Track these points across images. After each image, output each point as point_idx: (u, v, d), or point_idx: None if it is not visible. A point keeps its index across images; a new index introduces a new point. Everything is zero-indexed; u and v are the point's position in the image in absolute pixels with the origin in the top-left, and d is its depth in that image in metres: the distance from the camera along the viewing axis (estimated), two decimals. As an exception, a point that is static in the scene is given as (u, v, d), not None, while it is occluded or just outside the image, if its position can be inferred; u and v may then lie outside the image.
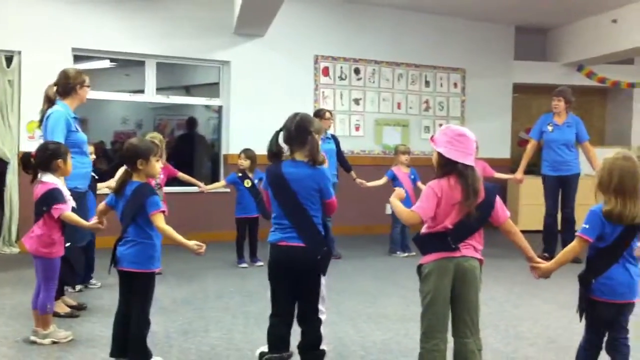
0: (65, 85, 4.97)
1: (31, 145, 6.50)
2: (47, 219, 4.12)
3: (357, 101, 9.61)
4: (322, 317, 3.51)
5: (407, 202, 7.56)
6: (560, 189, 7.64)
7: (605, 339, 3.46)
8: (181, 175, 6.96)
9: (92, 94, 5.77)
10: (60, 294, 4.86)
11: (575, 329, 4.69)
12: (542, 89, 10.14)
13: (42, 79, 5.49)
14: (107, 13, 8.12)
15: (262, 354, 3.47)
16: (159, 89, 8.82)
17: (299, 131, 3.45)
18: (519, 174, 7.93)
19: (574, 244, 3.41)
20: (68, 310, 4.93)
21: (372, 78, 9.70)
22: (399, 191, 3.38)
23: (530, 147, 7.90)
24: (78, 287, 5.63)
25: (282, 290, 3.48)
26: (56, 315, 4.59)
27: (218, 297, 5.66)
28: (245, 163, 6.99)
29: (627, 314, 3.42)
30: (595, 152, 7.55)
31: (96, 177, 5.79)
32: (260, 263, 6.88)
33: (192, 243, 3.59)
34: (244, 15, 8.06)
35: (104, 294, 5.61)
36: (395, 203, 3.31)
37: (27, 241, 4.21)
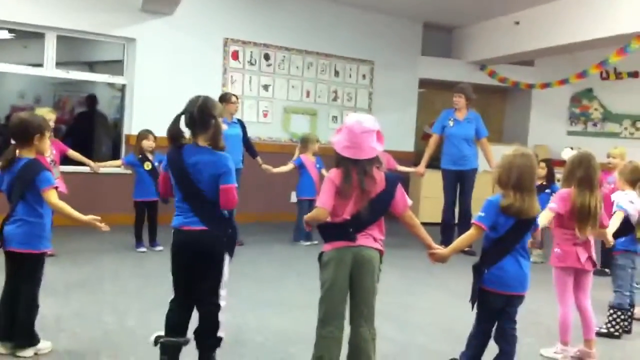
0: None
1: None
2: None
3: (266, 87, 9.54)
4: (222, 303, 3.45)
5: (313, 190, 7.70)
6: (459, 183, 7.90)
7: (494, 328, 3.60)
8: (71, 152, 6.60)
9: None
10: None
11: (468, 318, 4.85)
12: (447, 85, 10.41)
13: None
14: (5, -20, 7.68)
15: (158, 338, 3.37)
16: (60, 64, 8.43)
17: (202, 115, 3.36)
18: (420, 168, 8.16)
19: (470, 231, 3.55)
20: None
21: (282, 65, 9.65)
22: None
23: (432, 141, 8.13)
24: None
25: (183, 275, 3.41)
26: None
27: (114, 281, 5.50)
28: (152, 144, 6.80)
29: (516, 305, 3.56)
30: (491, 149, 7.85)
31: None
32: (160, 248, 6.73)
33: (89, 217, 3.46)
34: (152, -9, 7.83)
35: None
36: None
37: None
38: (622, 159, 6.58)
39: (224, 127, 7.03)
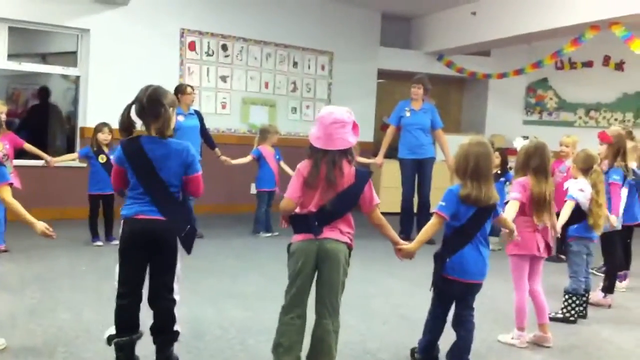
0: None
1: None
2: None
3: (224, 78, 9.45)
4: (177, 297, 3.40)
5: (272, 181, 7.67)
6: (417, 173, 7.97)
7: (452, 315, 3.64)
8: (27, 146, 6.52)
9: None
10: None
11: (427, 306, 4.91)
12: (406, 76, 10.45)
13: None
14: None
15: (110, 337, 3.30)
16: (12, 56, 8.21)
17: (152, 104, 3.27)
18: (378, 159, 8.22)
19: (432, 221, 3.59)
20: None
21: (240, 56, 9.57)
22: None
23: (389, 132, 8.20)
24: None
25: (135, 268, 3.30)
26: None
27: (69, 276, 5.40)
28: (108, 137, 6.69)
29: (475, 293, 3.62)
30: (446, 140, 7.94)
31: None
32: (116, 242, 6.57)
33: (40, 225, 3.37)
34: (105, -19, 7.68)
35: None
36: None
37: None
38: (573, 147, 6.72)
39: (180, 118, 7.04)
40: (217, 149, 7.69)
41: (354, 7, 10.45)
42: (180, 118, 6.89)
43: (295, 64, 10.09)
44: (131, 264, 3.31)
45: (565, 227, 4.70)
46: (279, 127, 8.47)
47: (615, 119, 11.27)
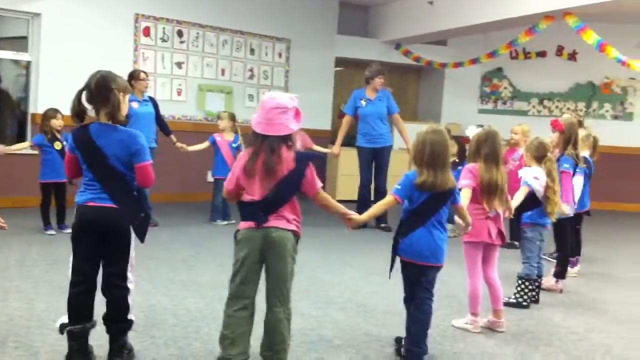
0: None
1: None
2: None
3: (179, 65, 9.32)
4: (131, 285, 3.35)
5: (227, 169, 7.60)
6: (374, 161, 8.01)
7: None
8: None
9: None
10: None
11: (383, 293, 4.96)
12: (363, 64, 10.46)
13: None
14: None
15: (62, 326, 3.24)
16: (-42, 40, 7.98)
17: (100, 89, 3.23)
18: (335, 148, 8.25)
19: (385, 199, 3.67)
20: None
21: (196, 42, 9.45)
22: None
23: (344, 122, 8.22)
24: None
25: (87, 256, 3.25)
26: None
27: (20, 265, 5.29)
28: (61, 123, 6.55)
29: (430, 276, 3.65)
30: (404, 124, 8.00)
31: None
32: (69, 230, 6.46)
33: None
34: (57, -37, 7.49)
35: None
36: None
37: None
38: (523, 135, 6.82)
39: (134, 105, 6.94)
40: (172, 136, 7.60)
41: (312, -6, 10.41)
42: (134, 105, 6.79)
43: (252, 51, 10.01)
44: (83, 252, 3.26)
45: (519, 213, 4.78)
46: (236, 114, 8.37)
47: (568, 108, 11.51)
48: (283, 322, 3.23)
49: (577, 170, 5.51)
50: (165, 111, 7.92)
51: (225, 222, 7.67)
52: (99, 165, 3.23)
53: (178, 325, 4.03)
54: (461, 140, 7.27)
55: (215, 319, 4.03)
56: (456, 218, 3.92)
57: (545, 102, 11.71)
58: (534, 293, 4.94)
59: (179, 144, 7.58)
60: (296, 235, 3.26)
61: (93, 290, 3.29)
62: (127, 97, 3.41)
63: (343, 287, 5.20)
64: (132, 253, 3.35)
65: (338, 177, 10.22)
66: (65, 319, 3.27)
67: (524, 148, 5.35)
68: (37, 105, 8.19)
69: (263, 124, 3.15)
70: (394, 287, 3.96)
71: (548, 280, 5.42)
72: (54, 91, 7.87)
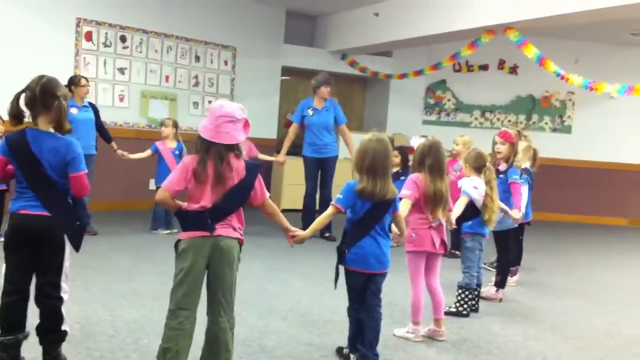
0: None
1: None
2: None
3: (122, 70, 9.14)
4: (65, 295, 3.25)
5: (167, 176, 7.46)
6: (320, 171, 8.02)
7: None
8: None
9: None
10: None
11: (326, 303, 4.95)
12: (310, 74, 10.50)
13: None
14: None
15: (-6, 338, 3.13)
16: None
17: (44, 95, 3.15)
18: (281, 157, 8.24)
19: (327, 211, 3.70)
20: None
21: (140, 48, 9.29)
22: None
23: (291, 131, 8.20)
24: None
25: (20, 265, 3.16)
26: None
27: (-51, 276, 5.07)
28: (2, 129, 6.31)
29: (378, 282, 3.70)
30: (351, 135, 8.04)
31: None
32: (2, 238, 6.27)
33: None
34: (-5, -36, 7.26)
35: None
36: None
37: None
38: (464, 146, 6.91)
39: (74, 111, 6.77)
40: (113, 143, 7.44)
41: (258, 3, 10.36)
42: (74, 111, 6.64)
43: (197, 58, 9.90)
44: (16, 261, 3.18)
45: (460, 223, 4.85)
46: (180, 121, 8.25)
47: (509, 121, 11.77)
48: (227, 331, 3.17)
49: (521, 181, 5.61)
50: (106, 117, 7.76)
51: (167, 231, 7.54)
52: (32, 173, 3.15)
53: (115, 336, 3.93)
54: (405, 151, 7.34)
55: (154, 331, 3.94)
56: (392, 226, 3.94)
57: (487, 115, 11.94)
58: (473, 302, 5.00)
59: (120, 152, 7.42)
60: (240, 243, 3.24)
61: (26, 299, 3.20)
62: (67, 103, 3.33)
63: (286, 296, 5.17)
64: (67, 262, 3.27)
65: (283, 187, 10.18)
66: (-4, 329, 3.16)
67: (462, 159, 5.41)
68: (-28, 109, 7.89)
69: (210, 131, 3.10)
70: (338, 296, 3.95)
71: (488, 290, 5.50)
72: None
